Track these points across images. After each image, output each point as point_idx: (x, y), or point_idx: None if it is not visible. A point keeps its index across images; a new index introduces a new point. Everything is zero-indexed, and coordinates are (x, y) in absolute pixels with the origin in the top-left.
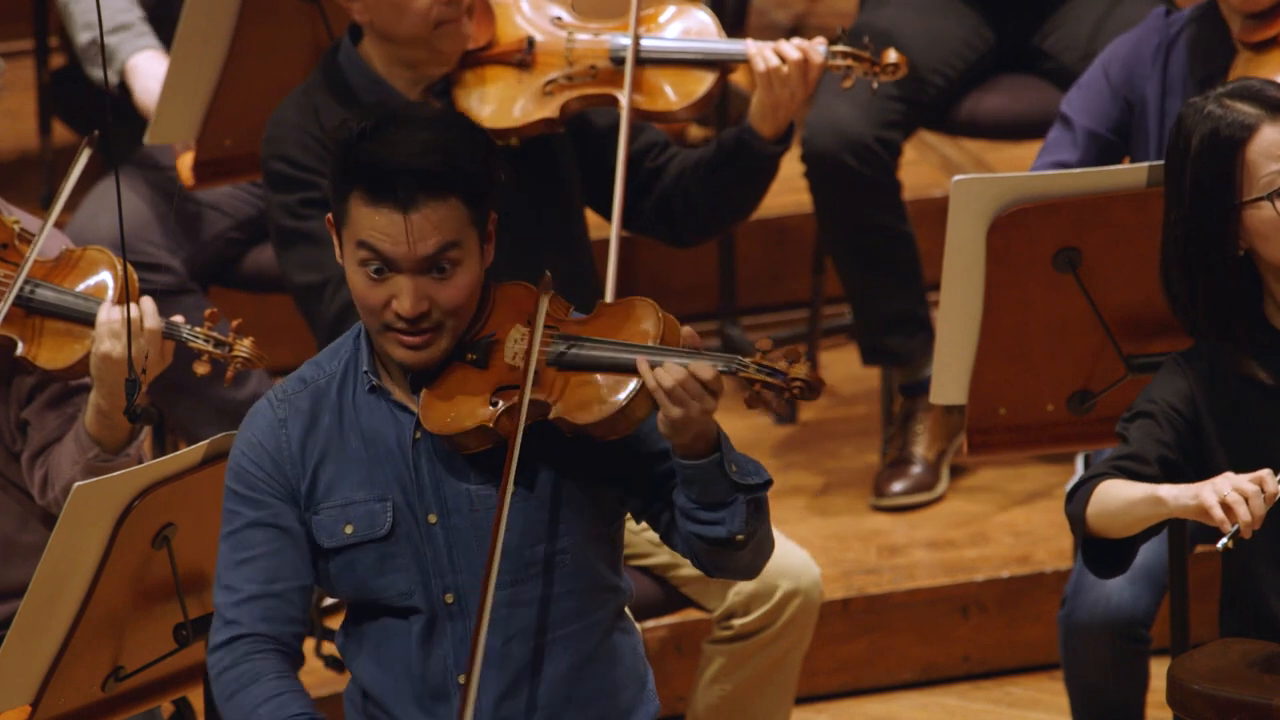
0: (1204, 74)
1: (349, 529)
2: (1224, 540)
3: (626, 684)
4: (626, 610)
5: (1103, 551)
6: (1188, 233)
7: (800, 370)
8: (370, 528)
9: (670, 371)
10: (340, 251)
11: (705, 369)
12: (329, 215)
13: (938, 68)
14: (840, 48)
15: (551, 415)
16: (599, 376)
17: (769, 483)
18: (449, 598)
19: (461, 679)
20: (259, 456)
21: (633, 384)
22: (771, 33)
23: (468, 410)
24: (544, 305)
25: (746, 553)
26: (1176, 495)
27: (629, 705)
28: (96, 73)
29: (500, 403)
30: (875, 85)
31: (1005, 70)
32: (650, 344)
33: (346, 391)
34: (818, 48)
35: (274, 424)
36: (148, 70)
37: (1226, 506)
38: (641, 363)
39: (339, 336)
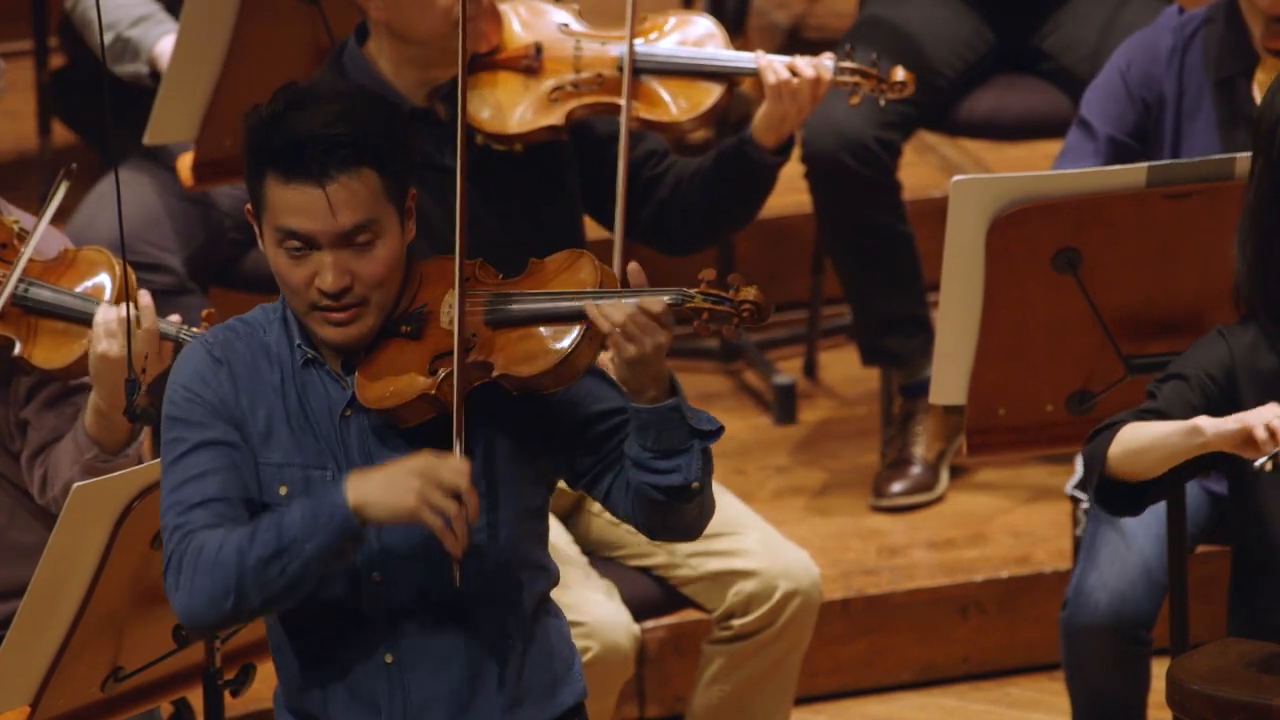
0: (1222, 77)
1: (283, 490)
2: (1262, 460)
3: (548, 665)
4: (551, 595)
5: (1117, 492)
6: (1266, 205)
7: (748, 293)
8: (305, 492)
9: (619, 308)
10: (261, 239)
11: (653, 301)
12: (247, 205)
13: (938, 68)
14: (848, 64)
15: (495, 374)
16: (541, 328)
17: (721, 429)
18: (375, 576)
19: (389, 658)
20: (200, 388)
21: (575, 330)
22: (771, 33)
23: (407, 381)
24: (460, 261)
25: (694, 506)
26: (1217, 424)
27: (551, 686)
28: (121, 69)
29: (440, 370)
30: (882, 103)
31: (1005, 70)
32: (589, 290)
33: (287, 363)
34: (826, 64)
35: (210, 364)
36: None
37: (1271, 430)
38: (589, 306)
39: None
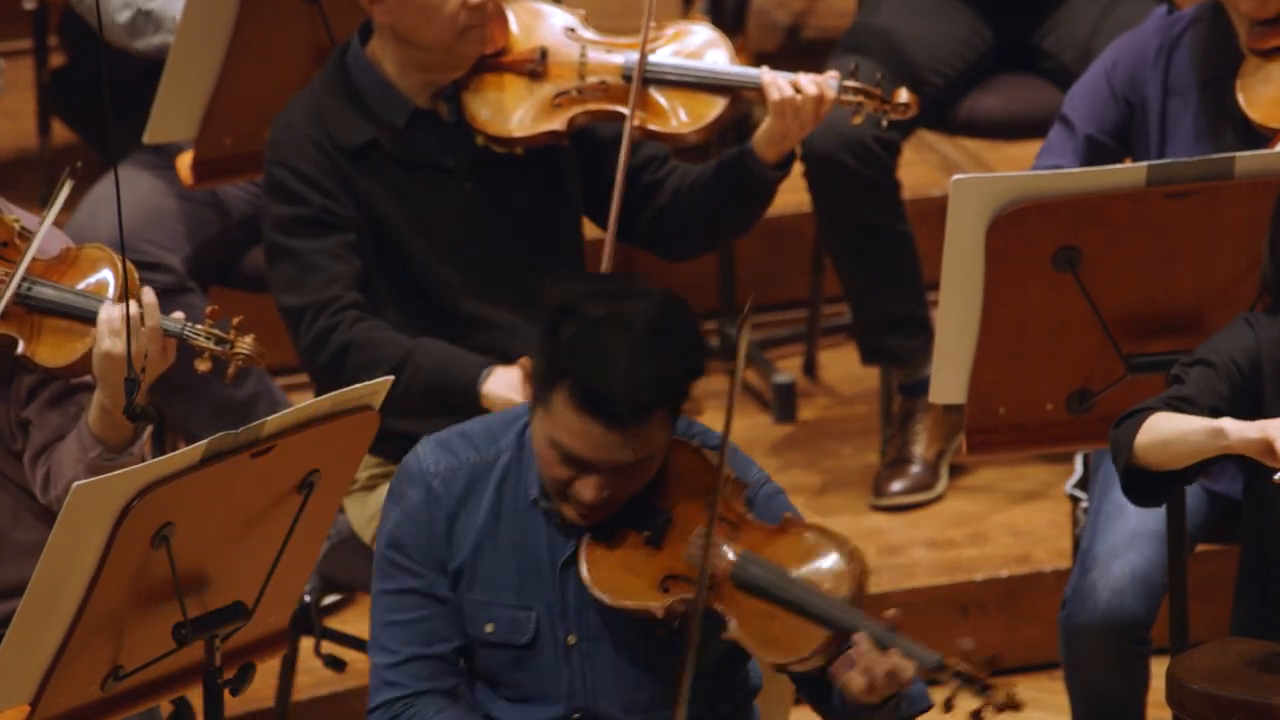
0: (1208, 77)
1: (490, 627)
2: None
3: None
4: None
5: (1142, 481)
6: None
7: (1001, 695)
8: (511, 633)
9: (882, 663)
10: (532, 411)
11: (907, 667)
12: (525, 359)
13: (937, 67)
14: (852, 83)
15: (728, 636)
16: (787, 617)
17: (928, 708)
18: (576, 717)
19: None
20: (412, 529)
21: (819, 642)
22: (771, 33)
23: (637, 588)
24: (717, 506)
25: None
26: (1241, 429)
27: None
28: (144, 43)
29: (672, 592)
30: (884, 123)
31: (1004, 70)
32: (837, 598)
33: (506, 492)
34: (831, 83)
35: (428, 500)
36: None
37: None
38: (861, 638)
39: (314, 366)
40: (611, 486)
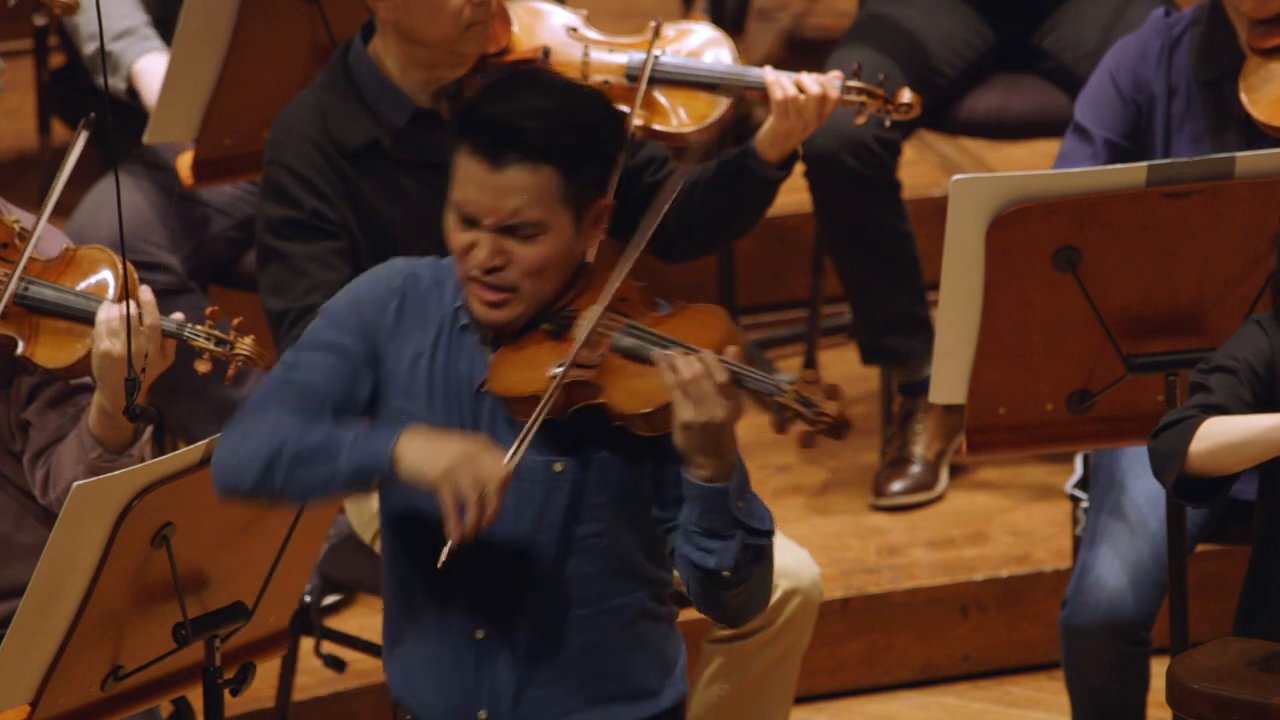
0: (1210, 77)
1: None
2: None
3: (647, 668)
4: (666, 597)
5: (1193, 486)
6: None
7: (831, 407)
8: None
9: (690, 364)
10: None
11: (720, 371)
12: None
13: (937, 67)
14: (855, 84)
15: (598, 399)
16: (652, 369)
17: (769, 532)
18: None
19: (479, 634)
20: (367, 305)
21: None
22: (771, 32)
23: (528, 377)
24: (614, 285)
25: (733, 595)
26: None
27: (649, 688)
28: (101, 80)
29: (559, 373)
30: (887, 123)
31: (1005, 69)
32: (697, 346)
33: (447, 319)
34: (834, 83)
35: (385, 296)
36: (155, 72)
37: None
38: (656, 353)
39: None
40: (504, 251)
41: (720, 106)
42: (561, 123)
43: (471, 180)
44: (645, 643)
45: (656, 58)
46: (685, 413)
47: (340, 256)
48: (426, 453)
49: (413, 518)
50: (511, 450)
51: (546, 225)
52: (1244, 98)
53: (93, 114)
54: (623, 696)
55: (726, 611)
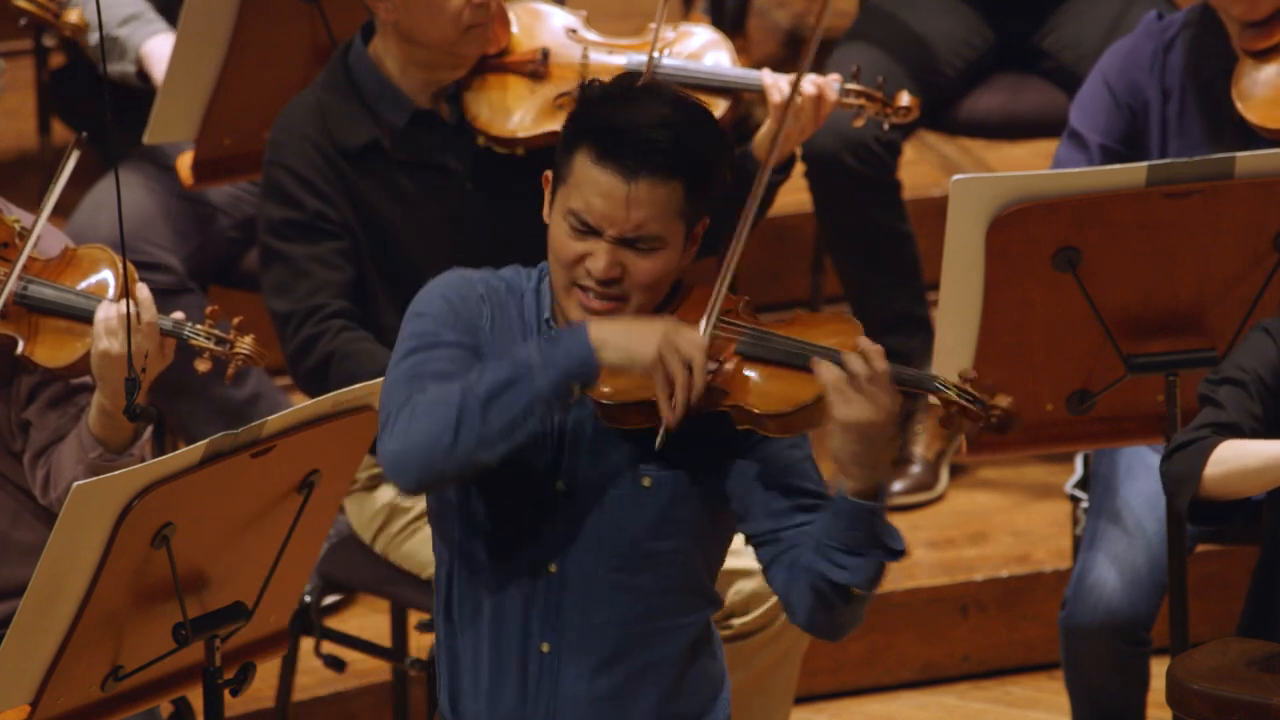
0: (1203, 79)
1: None
2: None
3: (698, 691)
4: (712, 621)
5: (1208, 508)
6: None
7: (1002, 400)
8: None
9: (851, 361)
10: (549, 205)
11: (881, 363)
12: (546, 171)
13: (937, 67)
14: (854, 86)
15: (727, 402)
16: (784, 371)
17: (904, 552)
18: (552, 567)
19: (545, 647)
20: (460, 304)
21: (815, 391)
22: (771, 32)
23: (640, 384)
24: (721, 290)
25: (850, 610)
26: None
27: (699, 710)
28: (113, 67)
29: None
30: (886, 126)
31: (1005, 69)
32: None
33: (532, 320)
34: (833, 85)
35: (474, 297)
36: (163, 53)
37: None
38: (816, 356)
39: (297, 373)
40: (621, 262)
41: (719, 108)
42: (692, 139)
43: (597, 189)
44: (700, 664)
45: (657, 61)
46: (848, 411)
47: (343, 256)
48: (627, 335)
49: (487, 529)
50: (703, 326)
51: (665, 239)
52: (1237, 100)
53: (84, 133)
54: (676, 716)
55: (836, 626)
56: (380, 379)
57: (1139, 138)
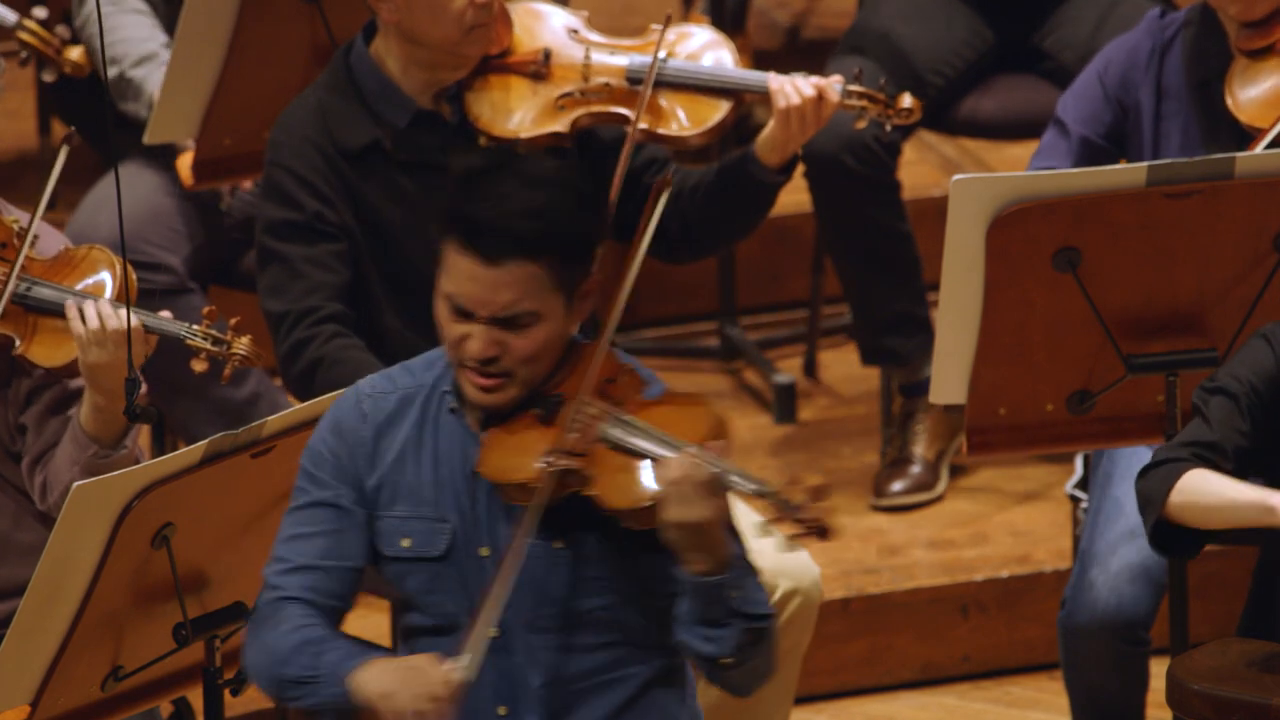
0: (1200, 79)
1: (406, 542)
2: None
3: None
4: (681, 665)
5: (1173, 534)
6: None
7: (814, 510)
8: (426, 546)
9: (674, 465)
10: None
11: (704, 471)
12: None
13: (937, 67)
14: (856, 88)
15: (588, 491)
16: (639, 463)
17: (769, 616)
18: (492, 631)
19: (502, 710)
20: (335, 443)
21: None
22: (772, 33)
23: (519, 463)
24: (593, 374)
25: (738, 674)
26: None
27: None
28: (127, 107)
29: (550, 463)
30: (888, 128)
31: (1005, 70)
32: (690, 445)
33: (430, 406)
34: (835, 87)
35: (356, 417)
36: None
37: None
38: (654, 450)
39: (286, 376)
40: (499, 342)
41: (721, 110)
42: (553, 218)
43: (463, 275)
44: (658, 710)
45: (662, 63)
46: (671, 511)
47: (339, 259)
48: (375, 683)
49: (426, 600)
50: (513, 546)
51: (541, 314)
52: (1229, 100)
53: (73, 129)
54: None
55: (733, 688)
56: None
57: (1125, 135)
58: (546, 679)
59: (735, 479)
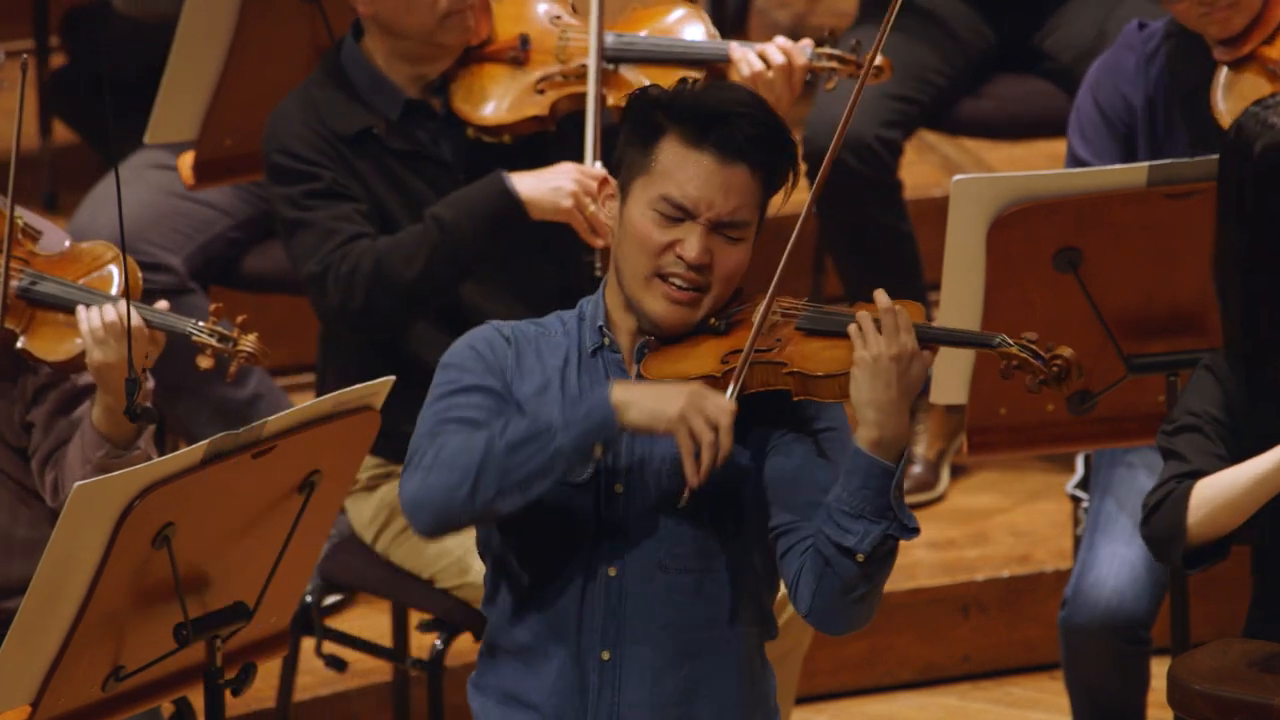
0: (1186, 88)
1: None
2: None
3: (755, 708)
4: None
5: (1200, 553)
6: (1249, 246)
7: (1064, 350)
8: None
9: (880, 298)
10: (622, 201)
11: (905, 317)
12: (607, 177)
13: (938, 67)
14: (826, 50)
15: (786, 370)
16: (834, 340)
17: (917, 532)
18: (611, 570)
19: (606, 655)
20: (483, 349)
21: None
22: (772, 32)
23: (695, 365)
24: (780, 270)
25: (853, 593)
26: None
27: None
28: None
29: (729, 361)
30: (859, 87)
31: (1005, 70)
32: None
33: (573, 348)
34: (804, 50)
35: (500, 342)
36: None
37: None
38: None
39: (348, 313)
40: (709, 249)
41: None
42: (776, 133)
43: (693, 172)
44: (756, 680)
45: (624, 36)
46: (872, 346)
47: (365, 218)
48: (651, 396)
49: (547, 538)
50: (730, 390)
51: (749, 230)
52: (1216, 109)
53: (25, 55)
54: None
55: (840, 610)
56: (389, 378)
57: (1134, 151)
58: (659, 623)
59: (970, 334)
